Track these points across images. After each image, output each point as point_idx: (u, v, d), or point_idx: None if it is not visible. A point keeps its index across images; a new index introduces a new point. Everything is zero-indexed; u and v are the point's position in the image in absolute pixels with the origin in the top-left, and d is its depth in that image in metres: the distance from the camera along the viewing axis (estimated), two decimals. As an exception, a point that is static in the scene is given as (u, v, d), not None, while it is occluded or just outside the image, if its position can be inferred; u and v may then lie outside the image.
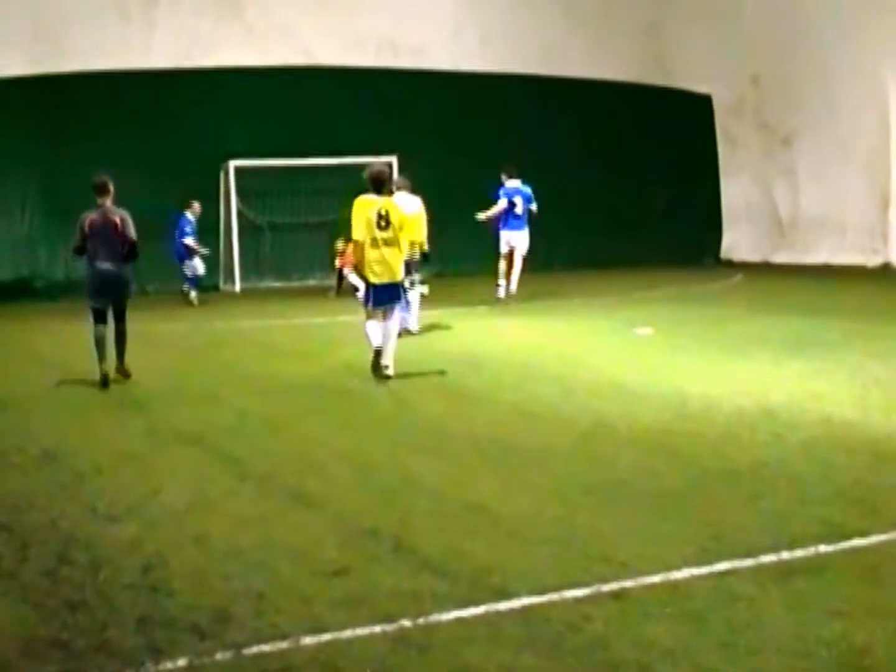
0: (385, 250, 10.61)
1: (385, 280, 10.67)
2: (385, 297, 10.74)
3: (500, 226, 18.16)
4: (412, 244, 12.36)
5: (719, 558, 5.23)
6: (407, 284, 12.17)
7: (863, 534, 5.52)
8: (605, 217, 24.61)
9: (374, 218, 10.58)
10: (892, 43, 23.00)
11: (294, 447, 8.10)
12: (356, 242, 10.74)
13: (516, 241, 18.03)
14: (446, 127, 23.93)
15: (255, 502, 6.63)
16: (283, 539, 5.81)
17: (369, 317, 10.89)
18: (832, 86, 24.26)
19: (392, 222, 10.62)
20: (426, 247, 13.83)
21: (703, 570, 5.11)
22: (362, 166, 11.51)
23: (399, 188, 13.50)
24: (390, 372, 10.68)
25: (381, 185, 10.76)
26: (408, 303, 13.12)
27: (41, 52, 21.04)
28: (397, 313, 11.01)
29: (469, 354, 12.58)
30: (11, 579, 5.33)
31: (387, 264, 10.64)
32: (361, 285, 11.85)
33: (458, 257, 22.80)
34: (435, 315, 16.30)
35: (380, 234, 10.59)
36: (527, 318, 16.32)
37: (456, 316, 16.40)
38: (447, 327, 15.35)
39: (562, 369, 11.33)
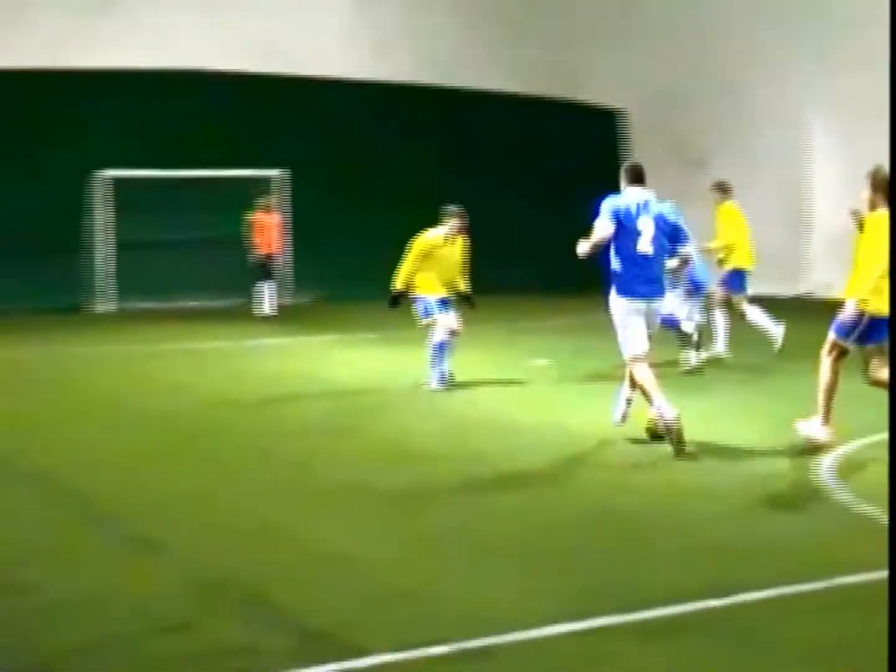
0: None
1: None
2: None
3: None
4: None
5: (597, 614, 5.20)
6: None
7: (749, 588, 5.52)
8: (508, 240, 24.57)
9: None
10: (807, 69, 23.76)
11: (144, 487, 7.89)
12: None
13: None
14: (339, 139, 23.85)
15: (94, 548, 6.49)
16: (122, 589, 5.66)
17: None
18: (746, 106, 24.94)
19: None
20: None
21: (577, 625, 5.08)
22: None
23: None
24: None
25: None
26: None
27: None
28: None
29: (346, 387, 12.46)
30: None
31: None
32: None
33: (346, 279, 22.61)
34: (322, 342, 16.30)
35: None
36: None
37: (338, 343, 16.29)
38: (334, 357, 15.28)
39: (442, 401, 11.28)
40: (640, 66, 26.62)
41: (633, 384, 9.07)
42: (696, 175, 26.30)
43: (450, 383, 11.87)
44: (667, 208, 9.06)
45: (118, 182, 21.60)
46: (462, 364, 12.36)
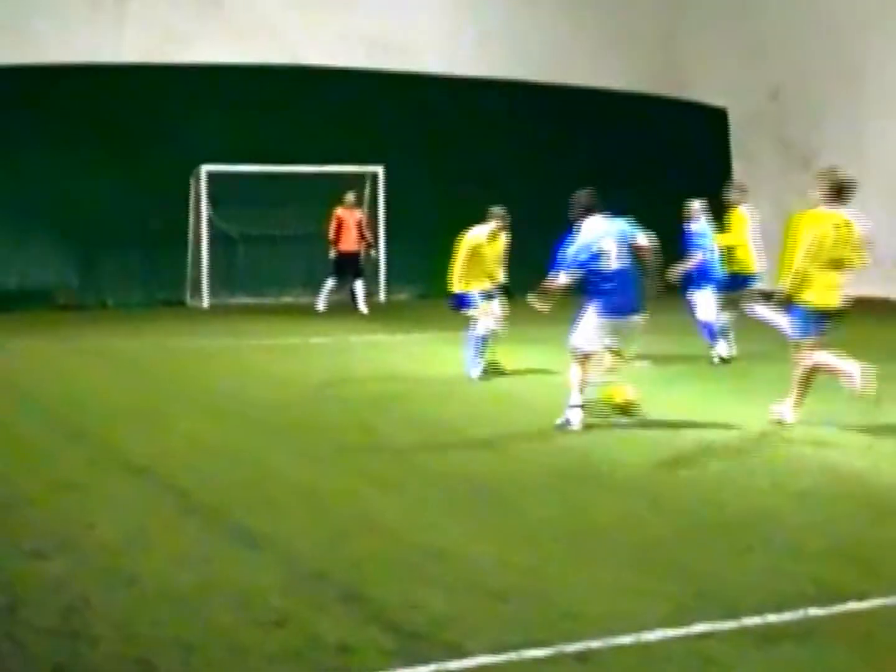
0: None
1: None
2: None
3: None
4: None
5: (698, 618, 5.14)
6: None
7: (859, 597, 5.43)
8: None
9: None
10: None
11: (247, 479, 8.02)
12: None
13: None
14: (438, 135, 23.85)
15: (197, 540, 6.57)
16: (224, 582, 5.73)
17: None
18: (859, 103, 24.37)
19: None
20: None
21: (680, 631, 5.02)
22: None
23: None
24: None
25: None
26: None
27: (2, 42, 20.92)
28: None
29: (445, 381, 12.52)
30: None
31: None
32: None
33: (442, 276, 22.61)
34: (409, 340, 16.28)
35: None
36: (515, 344, 16.17)
37: (429, 341, 16.39)
38: (417, 351, 15.53)
39: (546, 399, 11.24)
40: (746, 64, 26.25)
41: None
42: (801, 173, 25.91)
43: (488, 374, 12.64)
44: (623, 224, 10.07)
45: (221, 177, 21.83)
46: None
